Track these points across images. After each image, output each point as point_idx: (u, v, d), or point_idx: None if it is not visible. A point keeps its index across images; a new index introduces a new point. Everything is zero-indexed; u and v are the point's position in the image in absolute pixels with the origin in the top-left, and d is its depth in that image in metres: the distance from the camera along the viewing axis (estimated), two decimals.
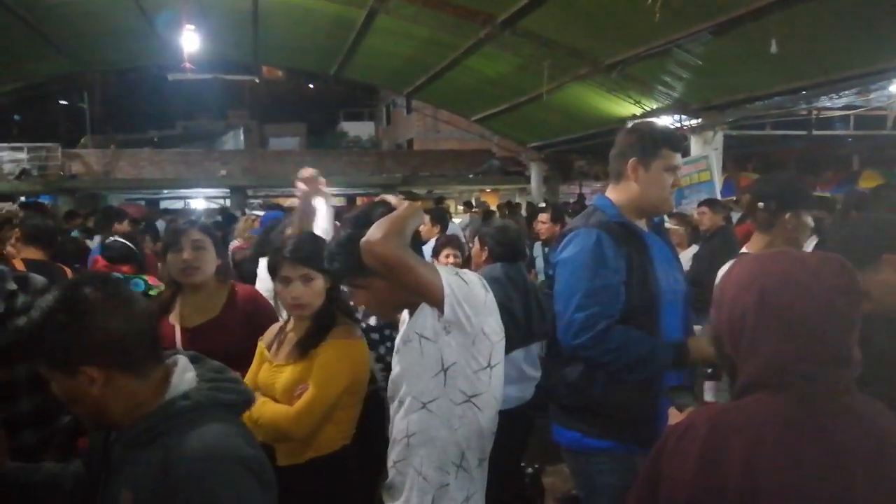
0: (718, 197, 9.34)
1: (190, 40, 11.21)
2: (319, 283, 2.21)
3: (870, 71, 8.08)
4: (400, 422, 1.85)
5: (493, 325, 1.86)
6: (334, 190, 20.34)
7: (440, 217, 5.84)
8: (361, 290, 1.86)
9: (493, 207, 13.84)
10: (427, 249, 5.96)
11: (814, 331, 1.22)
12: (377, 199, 2.03)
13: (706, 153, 10.25)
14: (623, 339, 2.07)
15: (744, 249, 2.67)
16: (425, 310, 1.79)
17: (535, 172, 17.66)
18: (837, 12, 7.01)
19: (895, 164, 16.29)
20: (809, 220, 2.51)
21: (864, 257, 1.75)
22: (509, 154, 19.78)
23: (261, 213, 8.36)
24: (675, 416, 1.73)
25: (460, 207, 16.18)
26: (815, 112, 10.79)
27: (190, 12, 10.66)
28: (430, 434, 1.80)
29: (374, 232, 1.70)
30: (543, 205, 9.22)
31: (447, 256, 4.08)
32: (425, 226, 5.81)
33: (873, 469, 1.19)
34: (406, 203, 1.85)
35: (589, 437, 2.18)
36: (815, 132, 11.97)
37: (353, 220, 1.91)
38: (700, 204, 6.09)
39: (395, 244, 1.69)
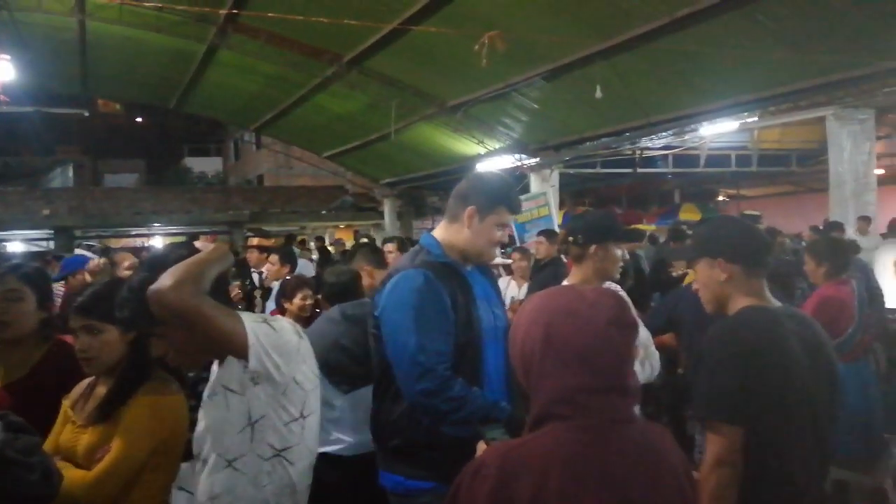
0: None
1: (5, 70, 10.24)
2: (112, 334, 2.02)
3: (683, 115, 9.00)
4: (204, 482, 1.72)
5: (306, 373, 1.79)
6: (176, 228, 19.29)
7: (288, 257, 5.64)
8: (159, 340, 1.73)
9: (348, 244, 13.73)
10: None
11: (593, 362, 1.27)
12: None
13: (544, 190, 10.86)
14: (464, 393, 2.07)
15: (565, 282, 2.81)
16: (231, 361, 1.69)
17: (388, 208, 17.79)
18: (653, 63, 7.76)
19: (709, 199, 18.21)
20: (618, 252, 2.69)
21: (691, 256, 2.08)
22: (363, 190, 19.81)
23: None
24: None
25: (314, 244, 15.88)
26: (638, 152, 11.79)
27: (6, 41, 9.77)
28: (235, 494, 1.69)
29: (165, 279, 1.57)
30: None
31: (303, 299, 3.94)
32: (273, 266, 5.60)
33: (652, 498, 1.25)
34: (211, 245, 1.74)
35: (412, 479, 2.15)
36: (639, 170, 13.09)
37: (148, 263, 1.77)
38: (539, 233, 6.43)
39: (189, 292, 1.58)
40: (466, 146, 12.00)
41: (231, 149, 31.66)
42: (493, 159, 11.70)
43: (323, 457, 3.22)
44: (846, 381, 3.86)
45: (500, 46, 5.48)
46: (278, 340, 1.72)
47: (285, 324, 1.81)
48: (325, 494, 2.56)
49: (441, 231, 2.33)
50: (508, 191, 2.31)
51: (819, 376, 1.82)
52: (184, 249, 1.77)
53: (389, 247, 5.79)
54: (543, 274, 5.67)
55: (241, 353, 1.66)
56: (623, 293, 2.68)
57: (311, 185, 22.11)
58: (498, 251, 4.24)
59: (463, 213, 2.24)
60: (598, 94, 7.55)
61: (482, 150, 11.82)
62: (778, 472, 1.75)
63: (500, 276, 6.07)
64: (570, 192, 16.36)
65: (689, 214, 14.45)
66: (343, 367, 2.88)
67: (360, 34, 8.72)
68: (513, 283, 5.93)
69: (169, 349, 1.73)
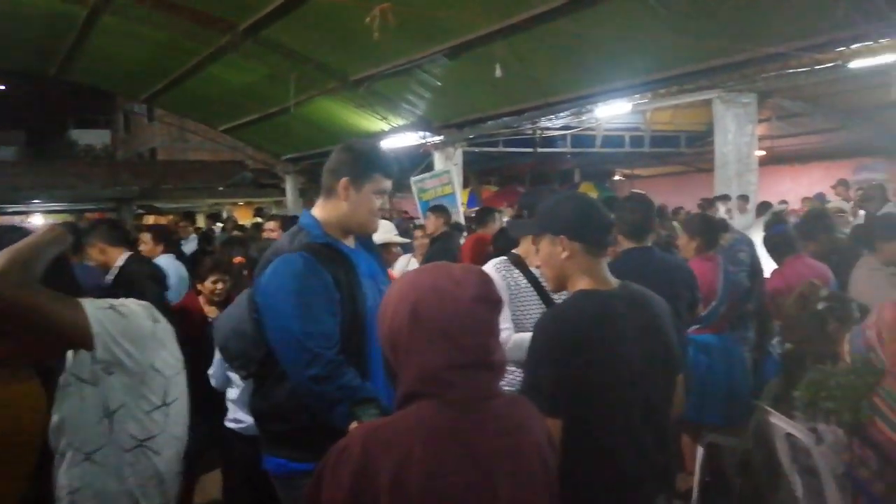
0: (460, 209, 9.99)
1: None
2: None
3: (579, 95, 9.24)
4: (62, 477, 1.62)
5: (166, 359, 1.70)
6: (59, 205, 18.03)
7: (162, 236, 5.29)
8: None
9: (246, 222, 13.28)
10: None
11: (457, 338, 1.28)
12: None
13: (448, 168, 10.90)
14: (356, 383, 2.03)
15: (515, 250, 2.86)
16: (81, 350, 1.58)
17: (290, 185, 17.33)
18: (551, 44, 7.89)
19: (606, 178, 18.88)
20: None
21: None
22: (264, 166, 19.18)
23: None
24: None
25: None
26: (538, 131, 12.03)
27: None
28: (95, 488, 1.60)
29: None
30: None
31: (214, 282, 3.75)
32: (146, 245, 5.28)
33: (514, 469, 1.28)
34: (46, 227, 1.61)
35: (295, 461, 2.11)
36: (540, 149, 13.38)
37: None
38: (429, 209, 6.46)
39: (14, 282, 1.44)
40: (370, 122, 11.84)
41: (120, 121, 29.81)
42: (398, 136, 11.61)
43: (233, 433, 3.19)
44: (713, 351, 4.14)
45: (391, 20, 5.38)
46: (128, 326, 1.62)
47: (136, 308, 1.71)
48: (243, 468, 2.45)
49: (319, 209, 2.27)
50: (381, 156, 2.26)
51: (653, 355, 1.88)
52: (14, 233, 1.62)
53: (271, 225, 5.63)
54: (434, 248, 5.71)
55: (86, 343, 1.56)
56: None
57: (208, 160, 21.21)
58: (394, 230, 4.20)
59: (337, 186, 2.19)
60: (498, 73, 7.61)
61: (386, 127, 11.70)
62: (601, 454, 1.82)
63: (400, 254, 6.06)
64: (475, 170, 16.52)
65: (586, 192, 14.93)
66: (242, 352, 2.79)
67: (255, 2, 8.37)
68: (413, 260, 5.93)
69: (7, 346, 1.58)
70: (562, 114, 10.03)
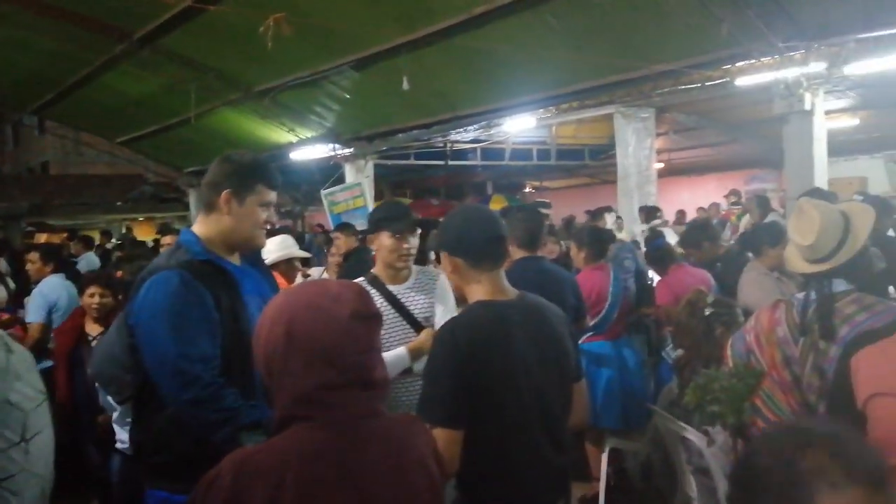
0: None
1: None
2: None
3: (487, 109, 9.38)
4: None
5: (23, 391, 1.56)
6: None
7: (51, 255, 5.02)
8: None
9: (148, 239, 12.69)
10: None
11: (335, 358, 1.24)
12: None
13: (360, 181, 10.81)
14: (237, 405, 1.93)
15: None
16: None
17: (194, 199, 16.69)
18: (456, 57, 7.98)
19: (517, 190, 19.26)
20: (408, 240, 2.72)
21: None
22: (165, 180, 18.40)
23: None
24: None
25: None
26: (449, 144, 12.13)
27: None
28: None
29: None
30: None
31: (91, 295, 3.63)
32: (34, 265, 4.96)
33: (396, 489, 1.25)
34: None
35: (177, 493, 1.98)
36: (451, 162, 13.49)
37: None
38: (335, 229, 6.35)
39: None
40: (276, 134, 11.59)
41: (8, 133, 27.89)
42: (306, 148, 11.42)
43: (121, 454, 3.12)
44: (606, 357, 4.25)
45: (287, 30, 5.27)
46: None
47: None
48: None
49: (199, 225, 2.15)
50: (264, 166, 2.16)
51: (548, 363, 1.90)
52: None
53: (167, 239, 5.41)
54: (348, 265, 5.60)
55: None
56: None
57: (106, 174, 20.14)
58: (295, 244, 4.07)
59: (219, 200, 2.08)
60: (406, 85, 7.61)
61: (294, 139, 11.49)
62: (500, 462, 1.82)
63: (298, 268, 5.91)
64: (388, 183, 16.48)
65: (497, 204, 15.16)
66: (113, 377, 2.63)
67: (151, 10, 8.02)
68: (326, 275, 5.79)
69: None
70: (471, 127, 10.15)
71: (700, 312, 3.07)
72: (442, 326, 1.97)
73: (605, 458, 4.15)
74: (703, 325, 3.03)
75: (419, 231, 2.80)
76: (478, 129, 10.60)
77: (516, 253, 3.30)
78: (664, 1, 6.04)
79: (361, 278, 2.74)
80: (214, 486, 1.18)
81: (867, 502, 0.92)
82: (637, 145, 9.59)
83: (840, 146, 10.14)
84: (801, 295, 2.24)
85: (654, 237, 5.77)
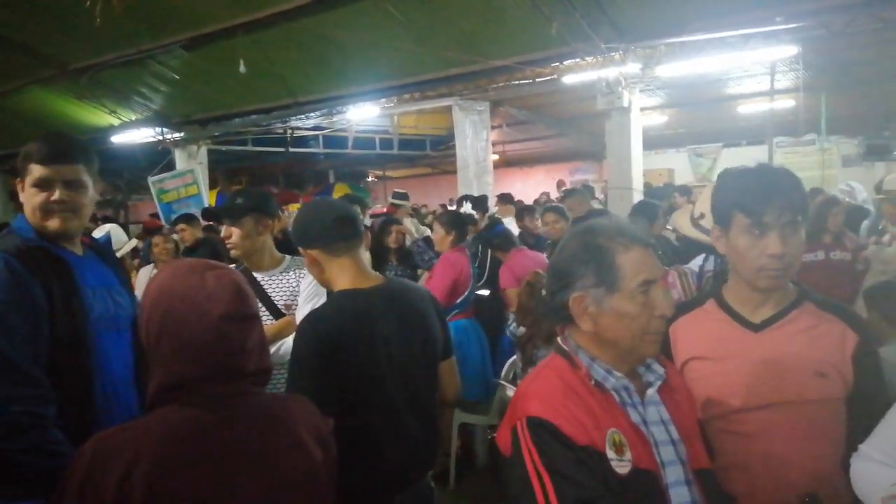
0: None
1: None
2: None
3: (329, 97, 9.26)
4: None
5: None
6: None
7: None
8: None
9: None
10: None
11: (203, 354, 1.25)
12: None
13: (192, 167, 10.23)
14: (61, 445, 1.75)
15: None
16: None
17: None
18: (297, 42, 7.78)
19: (360, 179, 19.22)
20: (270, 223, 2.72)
21: None
22: None
23: None
24: None
25: None
26: (290, 131, 11.82)
27: None
28: None
29: None
30: None
31: None
32: None
33: (268, 467, 1.27)
34: None
35: (16, 500, 1.83)
36: (292, 149, 13.15)
37: None
38: (176, 221, 6.01)
39: None
40: (96, 116, 10.62)
41: None
42: (130, 132, 10.59)
43: None
44: (467, 334, 4.49)
45: (117, 5, 4.89)
46: None
47: None
48: None
49: None
50: (35, 143, 1.97)
51: (414, 345, 1.98)
52: None
53: None
54: (198, 256, 5.32)
55: None
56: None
57: None
58: (124, 235, 3.81)
59: (18, 186, 1.99)
60: (242, 68, 7.33)
61: (115, 122, 10.60)
62: (369, 446, 1.89)
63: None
64: (223, 169, 15.71)
65: (340, 192, 15.05)
66: None
67: None
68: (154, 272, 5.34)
69: None
70: (312, 114, 9.98)
71: (538, 293, 3.30)
72: (303, 319, 1.98)
73: (455, 432, 4.35)
74: (542, 303, 3.27)
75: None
76: (320, 116, 10.44)
77: None
78: None
79: (235, 265, 2.66)
80: (75, 463, 1.19)
81: (644, 253, 1.37)
82: (474, 137, 9.98)
83: (652, 140, 11.21)
84: (695, 266, 2.49)
85: (494, 223, 6.09)
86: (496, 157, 13.15)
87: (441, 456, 4.43)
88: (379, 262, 4.88)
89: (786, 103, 9.79)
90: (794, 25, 5.95)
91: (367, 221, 7.22)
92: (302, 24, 7.07)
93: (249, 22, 7.25)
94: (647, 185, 8.96)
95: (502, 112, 12.27)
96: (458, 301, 4.44)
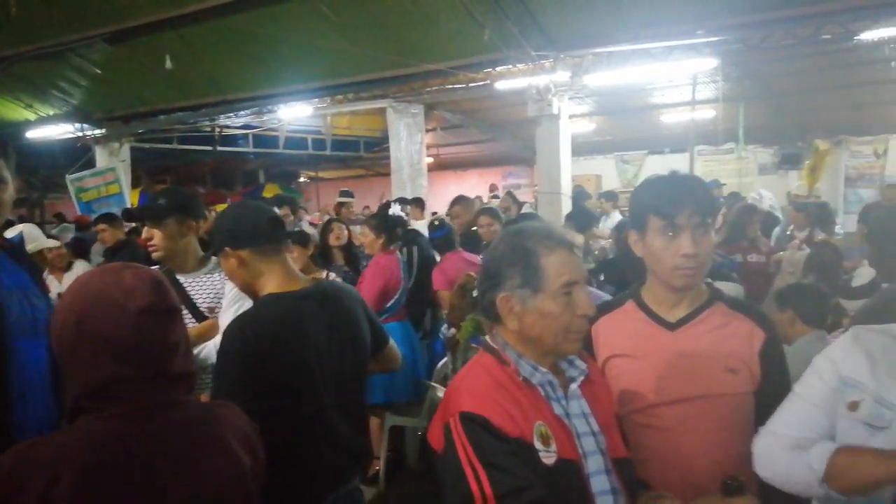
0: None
1: None
2: None
3: (259, 95, 9.09)
4: None
5: None
6: None
7: None
8: None
9: None
10: None
11: (124, 353, 1.21)
12: None
13: (113, 165, 9.86)
14: None
15: None
16: None
17: None
18: (227, 39, 7.61)
19: (292, 179, 18.93)
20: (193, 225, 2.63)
21: None
22: None
23: None
24: None
25: None
26: (218, 129, 11.53)
27: None
28: None
29: None
30: None
31: None
32: None
33: (195, 476, 1.24)
34: None
35: None
36: (220, 148, 12.82)
37: None
38: (96, 221, 5.78)
39: None
40: (11, 110, 10.10)
41: None
42: (48, 127, 10.11)
43: None
44: (398, 337, 4.48)
45: None
46: None
47: None
48: None
49: None
50: None
51: (343, 347, 1.98)
52: None
53: None
54: (119, 259, 5.13)
55: None
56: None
57: None
58: (42, 235, 3.66)
59: None
60: (168, 64, 7.12)
61: (32, 116, 10.10)
62: (299, 452, 1.87)
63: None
64: (147, 168, 15.17)
65: (272, 193, 14.77)
66: None
67: None
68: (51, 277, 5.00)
69: None
70: (242, 112, 9.77)
71: (469, 294, 3.34)
72: (231, 322, 1.94)
73: (386, 435, 4.35)
74: (473, 305, 3.31)
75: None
76: (249, 115, 10.23)
77: None
78: (433, 3, 6.38)
79: (157, 266, 2.57)
80: None
81: (568, 256, 1.44)
82: (408, 139, 10.00)
83: (580, 147, 11.51)
84: None
85: (438, 227, 6.14)
86: (430, 160, 13.19)
87: (372, 458, 4.43)
88: (325, 261, 4.83)
89: (706, 113, 10.21)
90: (714, 39, 6.24)
91: (305, 226, 7.15)
92: (231, 20, 6.93)
93: (176, 17, 7.05)
94: (578, 188, 9.20)
95: (437, 115, 12.32)
96: (389, 304, 4.44)
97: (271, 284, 1.93)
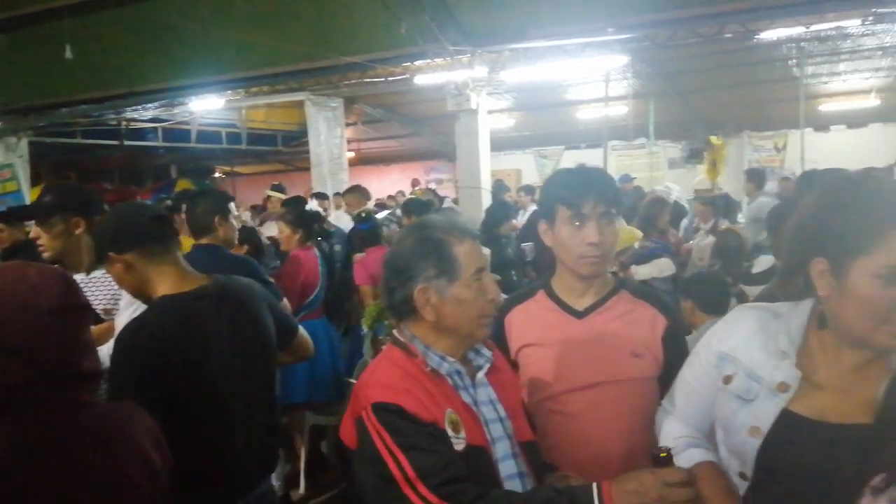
0: None
1: None
2: None
3: (169, 87, 8.73)
4: None
5: None
6: None
7: None
8: None
9: None
10: None
11: (35, 353, 1.16)
12: None
13: (11, 161, 9.27)
14: None
15: None
16: None
17: None
18: (133, 29, 7.26)
19: (206, 175, 18.30)
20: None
21: None
22: None
23: None
24: None
25: None
26: (125, 122, 11.02)
27: None
28: None
29: None
30: None
31: None
32: None
33: (105, 479, 1.20)
34: None
35: None
36: (127, 142, 12.24)
37: None
38: None
39: None
40: None
41: None
42: None
43: None
44: (316, 335, 4.41)
45: None
46: None
47: None
48: None
49: None
50: None
51: (247, 346, 1.93)
52: None
53: None
54: (18, 259, 4.79)
55: None
56: None
57: None
58: None
59: None
60: (69, 54, 6.71)
61: None
62: (206, 455, 1.80)
63: None
64: (49, 163, 14.31)
65: (184, 188, 14.24)
66: None
67: None
68: None
69: None
70: (150, 105, 9.36)
71: None
72: (122, 328, 1.85)
73: (305, 435, 4.27)
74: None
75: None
76: (158, 108, 9.82)
77: (187, 241, 3.15)
78: None
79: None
80: None
81: (474, 244, 1.48)
82: (328, 134, 9.87)
83: (501, 142, 11.67)
84: None
85: (364, 220, 6.08)
86: (352, 154, 13.06)
87: (292, 459, 4.35)
88: (259, 258, 4.70)
89: (619, 109, 10.55)
90: (624, 37, 6.44)
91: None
92: (136, 9, 6.61)
93: (76, 4, 6.68)
94: (497, 182, 9.30)
95: (357, 109, 12.21)
96: (308, 301, 4.35)
97: (164, 286, 1.84)
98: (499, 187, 8.84)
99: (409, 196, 12.58)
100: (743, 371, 1.35)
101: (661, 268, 3.35)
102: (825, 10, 5.91)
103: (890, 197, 1.17)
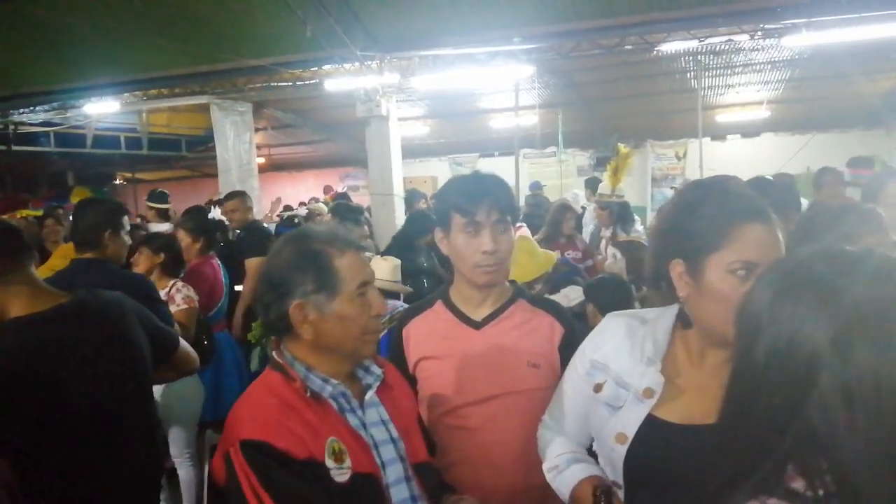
0: None
1: None
2: None
3: (59, 89, 8.21)
4: None
5: None
6: None
7: None
8: None
9: None
10: None
11: None
12: None
13: None
14: None
15: None
16: None
17: None
18: (16, 28, 6.78)
19: (105, 182, 17.37)
20: None
21: None
22: None
23: None
24: None
25: None
26: (12, 126, 10.30)
27: None
28: None
29: None
30: None
31: None
32: None
33: None
34: None
35: None
36: (15, 147, 11.41)
37: None
38: None
39: None
40: None
41: None
42: None
43: None
44: (221, 348, 4.20)
45: None
46: None
47: None
48: None
49: None
50: None
51: (114, 366, 1.80)
52: None
53: None
54: None
55: None
56: None
57: None
58: None
59: None
60: None
61: None
62: (67, 480, 1.67)
63: None
64: None
65: (79, 196, 13.42)
66: None
67: None
68: None
69: None
70: (39, 108, 8.77)
71: None
72: None
73: (206, 455, 4.06)
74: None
75: None
76: (49, 111, 9.21)
77: (69, 253, 2.92)
78: None
79: None
80: None
81: (357, 257, 1.40)
82: (236, 139, 9.52)
83: (415, 149, 11.63)
84: None
85: (289, 224, 5.90)
86: (262, 160, 12.68)
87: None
88: (177, 269, 4.44)
89: (530, 118, 10.72)
90: (530, 46, 6.53)
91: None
92: (20, 6, 6.16)
93: None
94: (411, 189, 9.24)
95: (267, 114, 11.86)
96: (212, 313, 4.14)
97: (15, 307, 1.68)
98: (413, 195, 8.78)
99: (318, 205, 12.37)
100: (612, 379, 1.36)
101: (570, 297, 3.40)
102: (716, 25, 6.19)
103: (737, 197, 1.21)
